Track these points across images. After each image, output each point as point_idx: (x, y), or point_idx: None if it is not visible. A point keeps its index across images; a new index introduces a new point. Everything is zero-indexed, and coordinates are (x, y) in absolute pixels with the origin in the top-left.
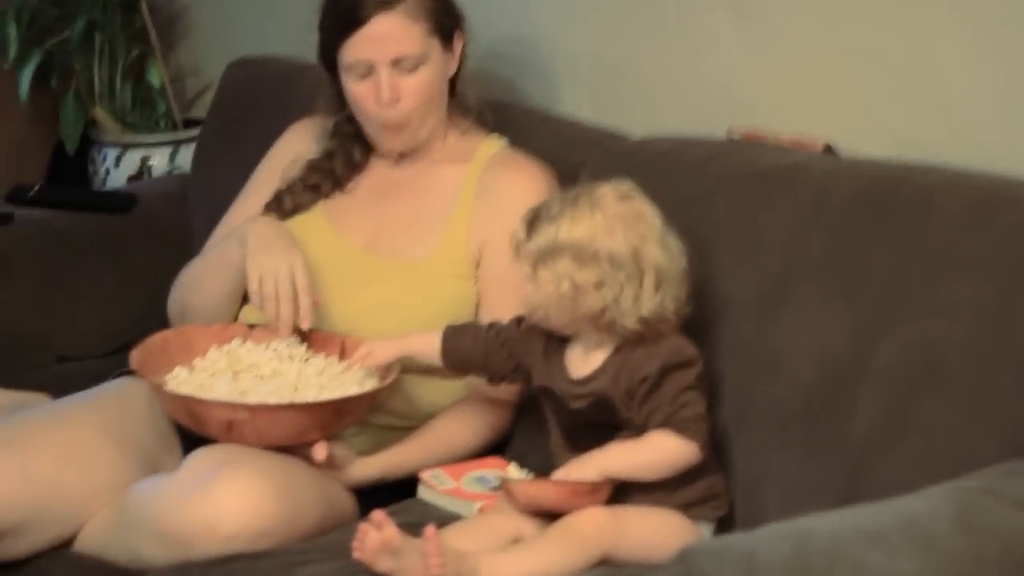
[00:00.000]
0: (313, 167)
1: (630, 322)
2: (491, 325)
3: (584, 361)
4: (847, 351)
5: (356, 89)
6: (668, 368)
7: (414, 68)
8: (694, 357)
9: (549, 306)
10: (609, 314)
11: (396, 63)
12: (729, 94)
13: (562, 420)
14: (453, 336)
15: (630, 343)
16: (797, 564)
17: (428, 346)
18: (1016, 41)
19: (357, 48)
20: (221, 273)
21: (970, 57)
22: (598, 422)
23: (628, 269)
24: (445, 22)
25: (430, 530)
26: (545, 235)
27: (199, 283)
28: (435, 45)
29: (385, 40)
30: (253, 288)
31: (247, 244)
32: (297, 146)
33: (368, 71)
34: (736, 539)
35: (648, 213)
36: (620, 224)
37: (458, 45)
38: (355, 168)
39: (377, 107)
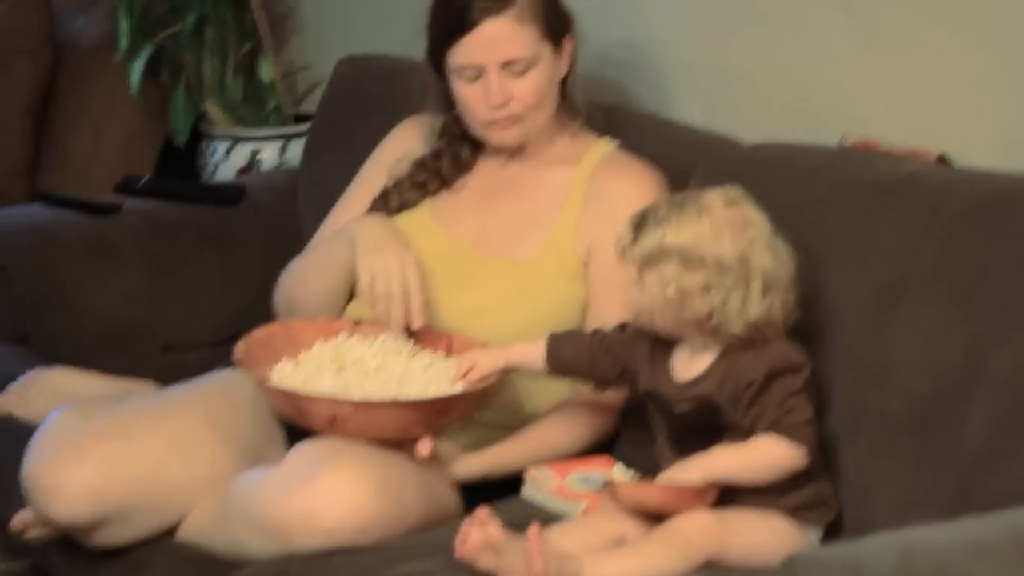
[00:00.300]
0: (420, 165)
1: (737, 327)
2: (595, 331)
3: (690, 365)
4: (960, 361)
5: (465, 92)
6: (775, 373)
7: (524, 71)
8: (801, 363)
9: (655, 310)
10: (716, 319)
11: (506, 66)
12: (842, 102)
13: (667, 424)
14: (556, 344)
15: (736, 348)
16: None
17: (532, 354)
18: None
19: (466, 52)
20: (329, 270)
21: None
22: (704, 425)
23: (735, 274)
24: (555, 25)
25: (533, 530)
26: (652, 238)
27: (305, 279)
28: (545, 48)
29: (495, 44)
30: (364, 287)
31: (356, 243)
32: (405, 144)
33: (478, 74)
34: (842, 548)
35: (756, 219)
36: (728, 229)
37: (568, 47)
38: (462, 168)
39: (487, 108)
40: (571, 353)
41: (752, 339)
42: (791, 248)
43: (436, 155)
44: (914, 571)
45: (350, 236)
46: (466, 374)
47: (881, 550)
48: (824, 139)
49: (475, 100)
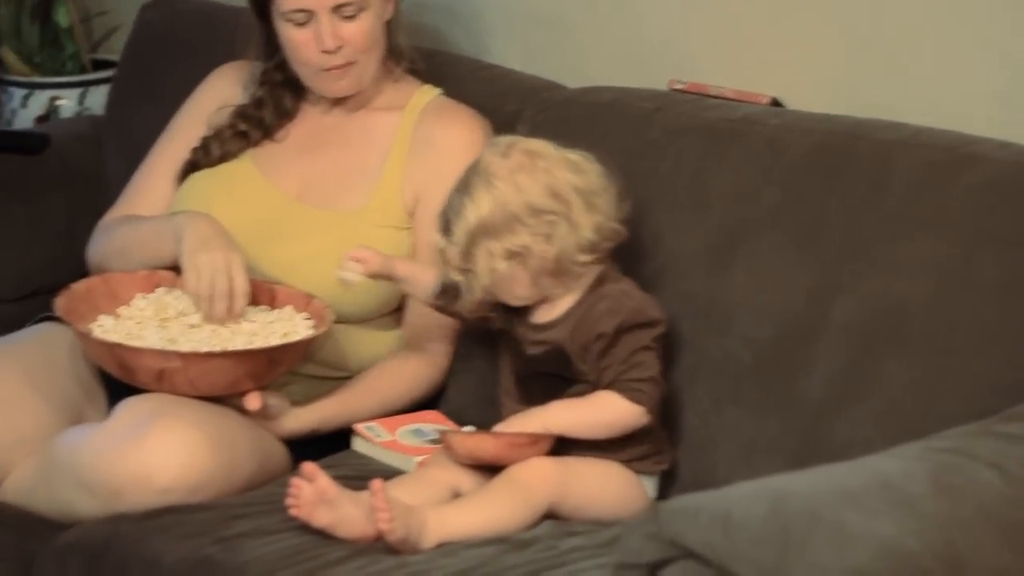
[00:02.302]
0: (241, 114)
1: (581, 255)
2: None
3: (549, 308)
4: (803, 307)
5: (295, 36)
6: (625, 327)
7: (355, 14)
8: (655, 319)
9: (503, 285)
10: (560, 259)
11: (336, 9)
12: (668, 46)
13: (516, 366)
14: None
15: (594, 291)
16: (776, 525)
17: (421, 278)
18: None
19: None
20: (150, 253)
21: (922, 11)
22: (552, 372)
23: (552, 207)
24: None
25: (377, 483)
26: (459, 229)
27: (125, 254)
28: None
29: None
30: (190, 284)
31: (184, 239)
32: (223, 92)
33: (307, 18)
34: (708, 497)
35: (538, 147)
36: (520, 175)
37: None
38: (285, 116)
39: (318, 54)
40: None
41: (602, 277)
42: (587, 152)
43: (257, 104)
44: (785, 520)
45: (177, 230)
46: (358, 261)
47: (749, 498)
48: (650, 85)
49: (305, 45)
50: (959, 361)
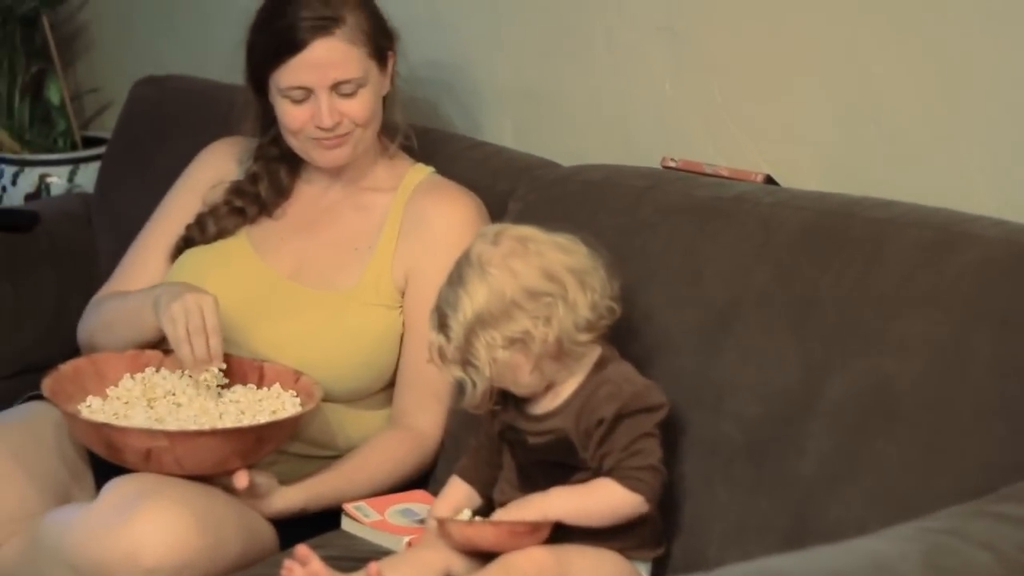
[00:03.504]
0: (237, 190)
1: (581, 334)
2: (475, 434)
3: (550, 398)
4: (795, 386)
5: (293, 113)
6: (625, 412)
7: (354, 91)
8: (657, 404)
9: (507, 374)
10: (561, 341)
11: (335, 87)
12: (661, 124)
13: (518, 456)
14: (465, 475)
15: (594, 377)
16: None
17: (456, 503)
18: (961, 75)
19: (294, 73)
20: (134, 329)
21: (914, 90)
22: (555, 461)
23: (548, 289)
24: (381, 43)
25: (374, 567)
26: (456, 324)
27: (110, 331)
28: (373, 67)
29: (325, 66)
30: (170, 335)
31: (159, 302)
32: (218, 167)
33: (305, 96)
34: None
35: (527, 231)
36: (514, 260)
37: (391, 63)
38: (281, 193)
39: (314, 129)
40: (482, 468)
41: (602, 362)
42: (573, 234)
43: (253, 179)
44: None
45: (155, 298)
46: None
47: None
48: (642, 163)
49: (302, 122)
50: (952, 440)
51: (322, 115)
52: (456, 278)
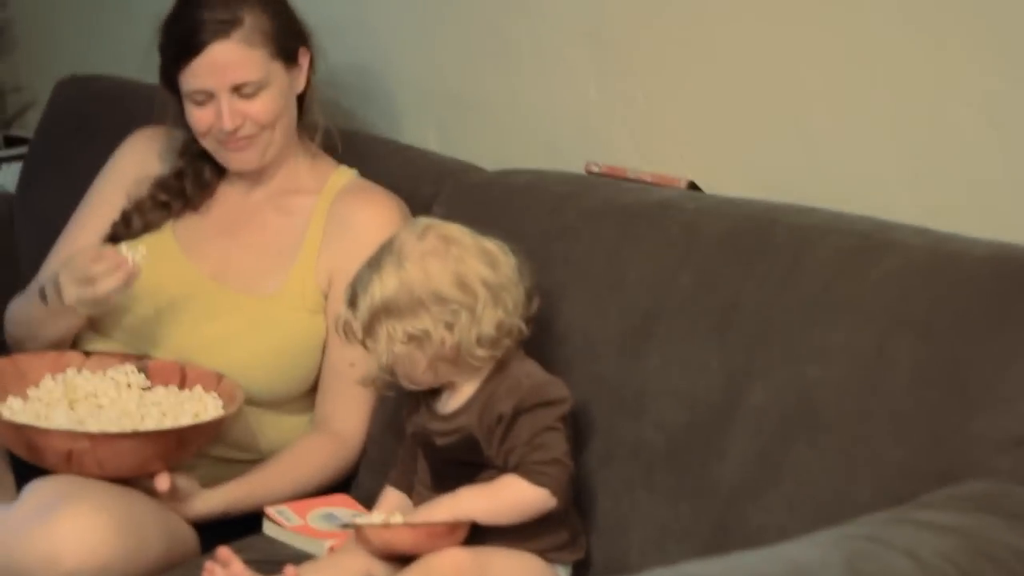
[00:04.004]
0: (162, 185)
1: (480, 348)
2: (404, 441)
3: (454, 397)
4: (717, 392)
5: (197, 114)
6: (525, 407)
7: (254, 93)
8: (558, 398)
9: (401, 367)
10: (459, 348)
11: (236, 89)
12: (585, 129)
13: (429, 457)
14: (397, 483)
15: (496, 377)
16: None
17: (394, 505)
18: (883, 82)
19: (195, 76)
20: (47, 321)
21: (836, 98)
22: (464, 460)
23: (457, 298)
24: (286, 43)
25: (291, 570)
26: (364, 305)
27: (30, 327)
28: (276, 67)
29: (223, 68)
30: (90, 300)
31: (61, 283)
32: (141, 162)
33: (208, 97)
34: None
35: (455, 233)
36: (431, 259)
37: (304, 60)
38: (205, 187)
39: (219, 131)
40: (405, 475)
41: (504, 361)
42: (504, 243)
43: (178, 174)
44: None
45: (57, 285)
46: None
47: None
48: (566, 168)
49: (206, 123)
50: (872, 448)
51: (223, 118)
52: (375, 261)
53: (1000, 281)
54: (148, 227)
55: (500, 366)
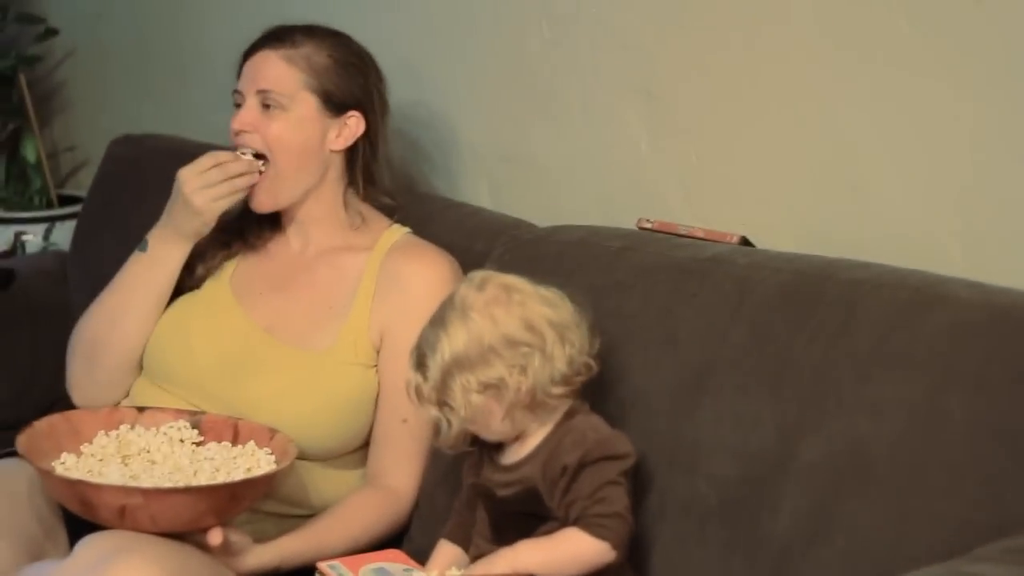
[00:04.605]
0: (222, 227)
1: (555, 388)
2: (459, 494)
3: (518, 448)
4: (769, 447)
5: (233, 117)
6: (589, 460)
7: (275, 110)
8: (623, 452)
9: (479, 420)
10: (535, 392)
11: (260, 94)
12: (637, 185)
13: (490, 509)
14: (453, 537)
15: (562, 428)
16: None
17: (448, 560)
18: (936, 139)
19: (240, 77)
20: (132, 294)
21: (889, 154)
22: (525, 512)
23: (527, 340)
24: (334, 89)
25: None
26: (434, 365)
27: (112, 318)
28: (310, 102)
29: (258, 72)
30: (223, 190)
31: (185, 195)
32: None
33: (242, 100)
34: None
35: (513, 281)
36: (496, 308)
37: (353, 124)
38: (264, 226)
39: (233, 138)
40: (461, 528)
41: (571, 413)
42: (559, 289)
43: (238, 216)
44: None
45: (168, 215)
46: None
47: None
48: (618, 224)
49: (234, 125)
50: (925, 502)
51: (240, 115)
52: (438, 319)
53: None
54: (209, 272)
55: (567, 417)
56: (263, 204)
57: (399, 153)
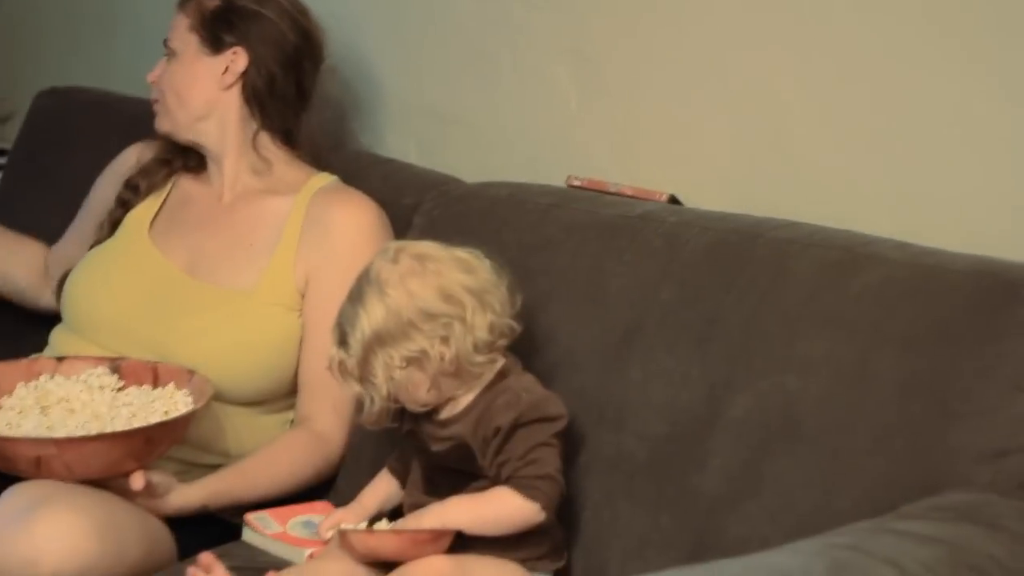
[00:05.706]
0: (166, 147)
1: (478, 355)
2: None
3: (451, 404)
4: (698, 404)
5: None
6: (522, 422)
7: (169, 55)
8: (556, 414)
9: (404, 392)
10: (459, 360)
11: (166, 47)
12: (566, 144)
13: (422, 461)
14: (394, 468)
15: (494, 387)
16: None
17: (383, 492)
18: (864, 99)
19: None
20: None
21: (816, 113)
22: (456, 468)
23: (446, 311)
24: (212, 26)
25: None
26: (355, 340)
27: None
28: (192, 41)
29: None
30: None
31: None
32: (138, 165)
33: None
34: None
35: (426, 248)
36: (412, 280)
37: (232, 58)
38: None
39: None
40: (402, 463)
41: (503, 372)
42: (477, 248)
43: (141, 172)
44: None
45: None
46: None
47: None
48: (547, 182)
49: None
50: (854, 459)
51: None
52: (356, 295)
53: (980, 294)
54: (152, 188)
55: (499, 377)
56: (157, 128)
57: (328, 110)
